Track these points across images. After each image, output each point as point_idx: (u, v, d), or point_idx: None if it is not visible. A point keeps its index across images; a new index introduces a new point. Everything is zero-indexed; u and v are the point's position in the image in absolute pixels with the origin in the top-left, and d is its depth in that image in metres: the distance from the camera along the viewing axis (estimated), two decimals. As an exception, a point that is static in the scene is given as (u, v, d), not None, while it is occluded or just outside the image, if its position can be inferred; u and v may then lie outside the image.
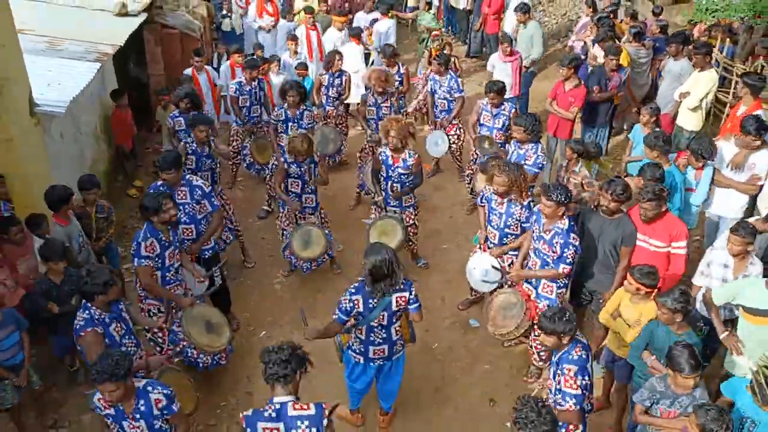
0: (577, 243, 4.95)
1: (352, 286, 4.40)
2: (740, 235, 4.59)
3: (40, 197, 5.48)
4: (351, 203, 7.99)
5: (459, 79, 7.94)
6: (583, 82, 7.58)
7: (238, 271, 6.86)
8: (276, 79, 8.64)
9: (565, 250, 4.92)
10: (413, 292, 4.42)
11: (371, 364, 4.64)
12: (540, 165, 6.18)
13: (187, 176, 5.60)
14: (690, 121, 7.45)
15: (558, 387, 3.89)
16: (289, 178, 6.35)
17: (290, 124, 7.33)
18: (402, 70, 8.49)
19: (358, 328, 4.48)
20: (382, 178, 6.33)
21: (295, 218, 6.49)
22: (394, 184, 6.25)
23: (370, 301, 4.33)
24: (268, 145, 7.91)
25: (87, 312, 4.18)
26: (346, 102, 8.64)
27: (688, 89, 7.35)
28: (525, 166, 5.98)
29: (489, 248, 5.67)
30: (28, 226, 5.24)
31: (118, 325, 4.31)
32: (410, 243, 6.65)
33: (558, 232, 4.93)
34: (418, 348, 5.87)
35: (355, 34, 9.52)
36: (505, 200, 5.42)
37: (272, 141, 7.52)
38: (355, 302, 4.33)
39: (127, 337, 4.37)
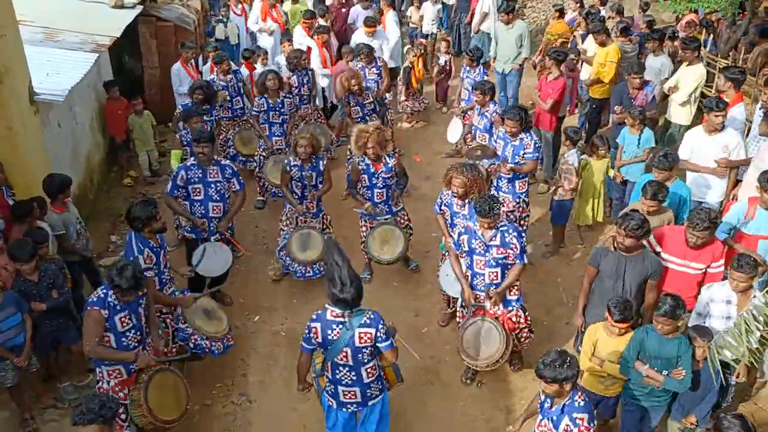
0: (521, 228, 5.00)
1: (314, 313, 4.04)
2: (744, 270, 4.38)
3: (38, 184, 5.61)
4: (343, 193, 8.11)
5: (486, 76, 8.27)
6: (563, 75, 7.72)
7: (233, 260, 7.00)
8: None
9: (521, 240, 4.95)
10: (382, 329, 3.94)
11: (343, 409, 4.19)
12: (539, 146, 6.39)
13: (215, 157, 5.92)
14: (680, 115, 7.60)
15: None
16: (291, 180, 6.32)
17: (271, 113, 7.47)
18: (380, 63, 8.59)
19: (326, 363, 4.08)
20: (363, 189, 6.23)
21: (296, 220, 6.44)
22: (380, 191, 6.19)
23: (329, 331, 3.90)
24: (252, 136, 8.00)
25: (103, 291, 4.21)
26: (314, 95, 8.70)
27: (676, 83, 7.52)
28: (526, 155, 6.20)
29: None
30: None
31: (127, 317, 4.27)
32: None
33: (504, 230, 4.90)
34: (409, 330, 6.06)
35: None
36: (466, 201, 5.42)
37: (257, 130, 7.64)
38: (313, 331, 3.94)
39: (132, 331, 4.33)
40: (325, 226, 6.58)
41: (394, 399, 5.28)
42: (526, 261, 5.01)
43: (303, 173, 6.24)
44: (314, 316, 3.98)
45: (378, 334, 3.92)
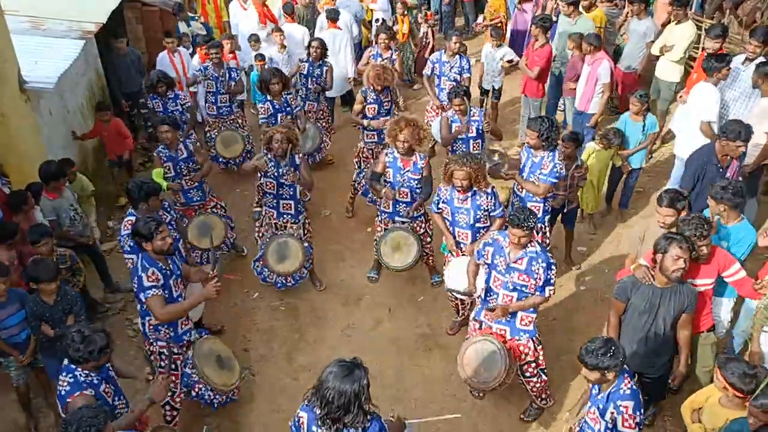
0: (554, 261, 4.58)
1: (305, 399, 3.19)
2: None
3: (33, 171, 5.68)
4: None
5: (470, 60, 7.69)
6: (549, 43, 7.73)
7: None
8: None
9: (549, 272, 4.43)
10: None
11: None
12: (557, 175, 5.42)
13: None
14: (671, 72, 7.57)
15: (611, 427, 3.58)
16: (265, 177, 5.72)
17: (279, 114, 6.93)
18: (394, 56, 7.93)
19: None
20: (386, 185, 5.70)
21: (275, 226, 5.97)
22: (402, 190, 5.68)
23: (315, 429, 3.13)
24: (235, 138, 7.70)
25: (71, 375, 3.68)
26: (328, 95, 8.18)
27: (666, 42, 7.48)
28: (540, 176, 5.42)
29: (462, 250, 5.27)
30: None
31: (108, 386, 3.86)
32: (424, 255, 5.99)
33: (533, 256, 4.42)
34: (404, 299, 6.21)
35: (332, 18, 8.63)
36: (469, 194, 5.10)
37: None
38: (300, 421, 3.20)
39: (117, 398, 3.94)
40: (306, 232, 6.10)
41: (394, 365, 5.48)
42: (548, 295, 4.50)
43: (279, 170, 5.69)
44: (303, 403, 3.20)
45: None
